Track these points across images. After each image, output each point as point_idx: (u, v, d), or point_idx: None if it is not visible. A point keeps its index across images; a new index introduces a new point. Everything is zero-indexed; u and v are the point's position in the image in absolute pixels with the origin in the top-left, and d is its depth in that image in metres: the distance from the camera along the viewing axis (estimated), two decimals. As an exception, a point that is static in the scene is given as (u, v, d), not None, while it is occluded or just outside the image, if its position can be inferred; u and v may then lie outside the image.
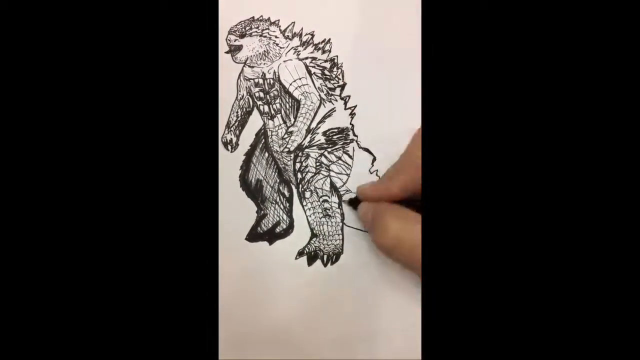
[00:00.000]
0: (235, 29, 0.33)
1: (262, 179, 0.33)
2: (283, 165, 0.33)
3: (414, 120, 0.33)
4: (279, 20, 0.34)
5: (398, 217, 0.25)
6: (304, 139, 0.33)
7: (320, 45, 0.34)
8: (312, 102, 0.33)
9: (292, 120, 0.33)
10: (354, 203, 0.32)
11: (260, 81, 0.33)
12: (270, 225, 0.33)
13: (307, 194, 0.33)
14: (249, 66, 0.33)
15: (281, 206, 0.33)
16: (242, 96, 0.33)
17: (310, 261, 0.33)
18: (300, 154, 0.33)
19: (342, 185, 0.33)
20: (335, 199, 0.33)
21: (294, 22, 0.33)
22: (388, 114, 0.34)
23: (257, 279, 0.33)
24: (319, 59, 0.33)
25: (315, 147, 0.33)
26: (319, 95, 0.33)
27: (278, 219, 0.33)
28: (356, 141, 0.34)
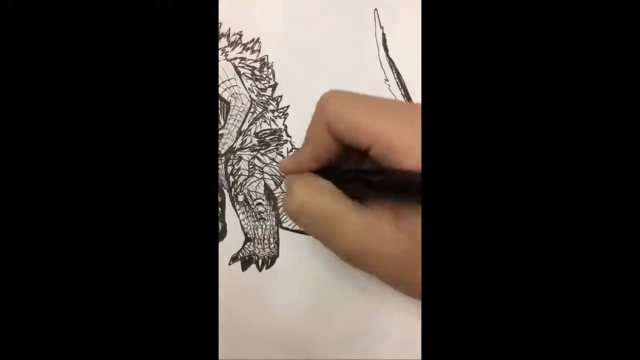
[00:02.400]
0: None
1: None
2: (215, 169, 0.33)
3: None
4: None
5: (304, 184, 0.26)
6: (235, 141, 0.33)
7: (249, 45, 0.33)
8: (242, 104, 0.33)
9: (222, 122, 0.32)
10: None
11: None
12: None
13: (240, 198, 0.33)
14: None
15: (214, 211, 0.33)
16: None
17: (245, 266, 0.32)
18: (231, 157, 0.33)
19: (277, 188, 0.33)
20: (269, 201, 0.33)
21: (220, 23, 0.33)
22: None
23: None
24: (248, 59, 0.33)
25: (247, 149, 0.33)
26: (249, 96, 0.33)
27: (211, 224, 0.33)
28: (290, 142, 0.33)
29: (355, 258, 0.25)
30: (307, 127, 0.33)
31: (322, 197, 0.25)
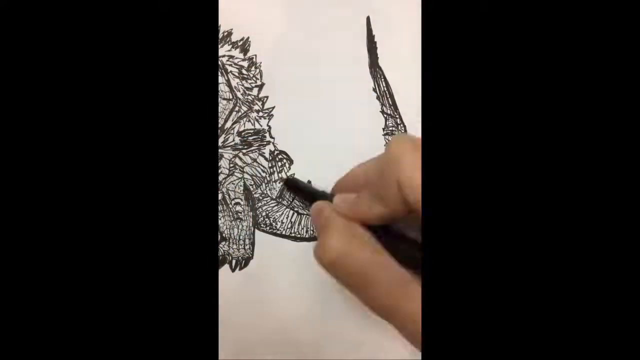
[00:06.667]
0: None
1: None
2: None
3: (334, 123, 0.33)
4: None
5: (344, 235, 0.23)
6: (217, 139, 0.32)
7: (239, 44, 0.33)
8: (226, 101, 0.32)
9: (206, 119, 0.32)
10: (294, 188, 0.32)
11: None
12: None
13: (218, 196, 0.32)
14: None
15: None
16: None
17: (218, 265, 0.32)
18: (212, 155, 0.32)
19: (257, 189, 0.32)
20: (248, 202, 0.32)
21: (211, 19, 0.33)
22: (307, 116, 0.33)
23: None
24: (237, 58, 0.33)
25: (229, 148, 0.32)
26: (235, 94, 0.32)
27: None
28: (273, 143, 0.33)
29: (384, 312, 0.22)
30: (291, 133, 0.33)
31: (363, 252, 0.22)
